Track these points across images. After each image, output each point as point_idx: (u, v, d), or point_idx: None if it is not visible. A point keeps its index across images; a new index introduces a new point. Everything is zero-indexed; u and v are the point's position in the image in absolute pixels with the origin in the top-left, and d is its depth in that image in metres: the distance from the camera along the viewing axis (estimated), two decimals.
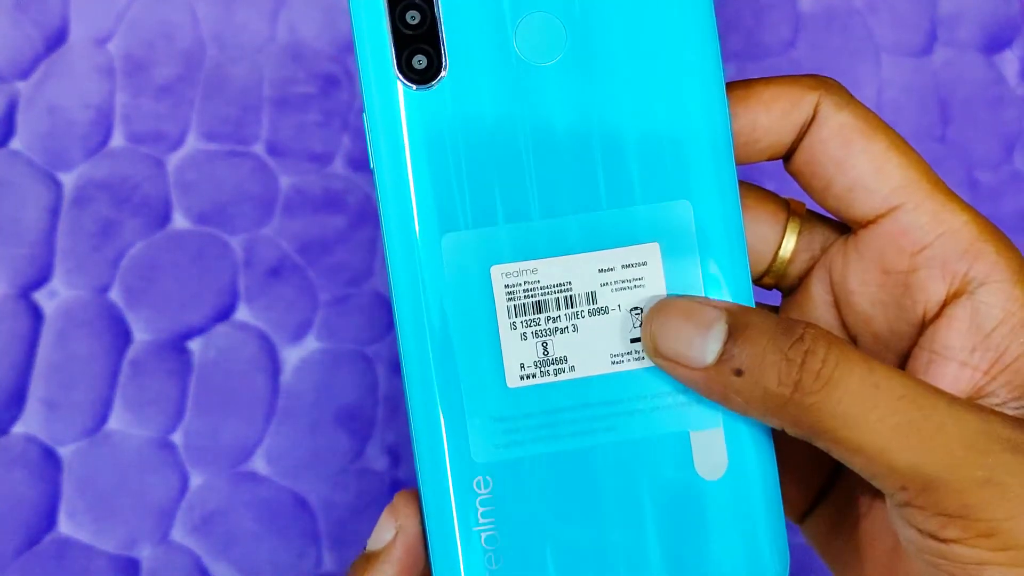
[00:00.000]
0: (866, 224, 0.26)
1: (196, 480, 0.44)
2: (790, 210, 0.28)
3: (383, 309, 0.45)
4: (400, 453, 0.45)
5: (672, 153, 0.25)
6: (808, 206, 0.29)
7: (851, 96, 0.26)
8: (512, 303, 0.25)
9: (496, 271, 0.25)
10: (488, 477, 0.25)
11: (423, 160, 0.25)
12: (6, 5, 0.43)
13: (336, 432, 0.44)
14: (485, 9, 0.25)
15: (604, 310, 0.25)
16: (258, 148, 0.44)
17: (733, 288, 0.26)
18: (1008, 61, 0.48)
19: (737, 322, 0.24)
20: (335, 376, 0.44)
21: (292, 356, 0.44)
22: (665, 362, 0.25)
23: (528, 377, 0.25)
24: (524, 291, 0.25)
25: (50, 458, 0.43)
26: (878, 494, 0.27)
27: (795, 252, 0.28)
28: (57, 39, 0.43)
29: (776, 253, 0.28)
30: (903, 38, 0.47)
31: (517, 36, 0.25)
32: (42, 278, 0.43)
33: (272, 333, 0.44)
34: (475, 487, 0.25)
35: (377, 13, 0.25)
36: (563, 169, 0.25)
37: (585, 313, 0.25)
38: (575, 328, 0.25)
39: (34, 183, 0.43)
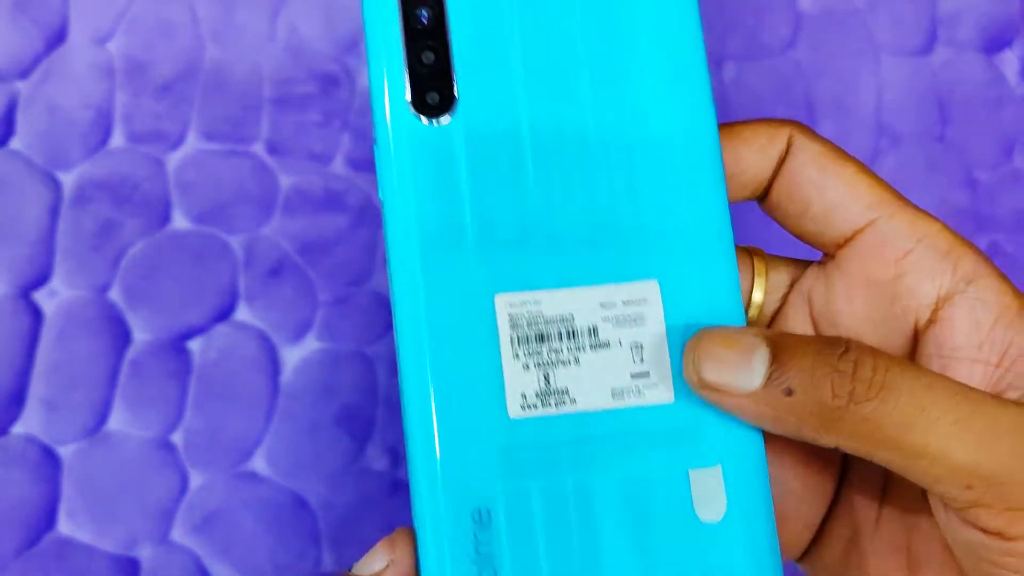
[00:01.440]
0: (844, 243, 0.27)
1: (196, 480, 0.44)
2: (752, 257, 0.29)
3: (383, 309, 0.45)
4: (400, 453, 0.45)
5: (674, 195, 0.26)
6: (767, 247, 0.29)
7: (816, 134, 0.27)
8: (515, 332, 0.25)
9: (500, 300, 0.25)
10: (486, 509, 0.25)
11: (430, 190, 0.25)
12: (6, 4, 0.43)
13: (336, 432, 0.44)
14: (495, 48, 0.26)
15: (605, 344, 0.26)
16: (258, 148, 0.44)
17: (733, 310, 0.26)
18: (1008, 61, 0.48)
19: (778, 344, 0.24)
20: (335, 376, 0.44)
21: (292, 356, 0.44)
22: (711, 392, 0.25)
23: (529, 408, 0.25)
24: (527, 321, 0.25)
25: (50, 458, 0.43)
26: (882, 516, 0.27)
27: (765, 295, 0.28)
28: (57, 38, 0.43)
29: (749, 300, 0.28)
30: (903, 38, 0.47)
31: (528, 79, 0.26)
32: (42, 278, 0.43)
33: (272, 333, 0.44)
34: (472, 518, 0.25)
35: (393, 49, 0.26)
36: (569, 203, 0.26)
37: (587, 347, 0.26)
38: (577, 361, 0.26)
39: (34, 183, 0.43)
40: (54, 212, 0.43)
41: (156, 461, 0.44)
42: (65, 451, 0.43)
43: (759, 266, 0.28)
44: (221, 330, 0.44)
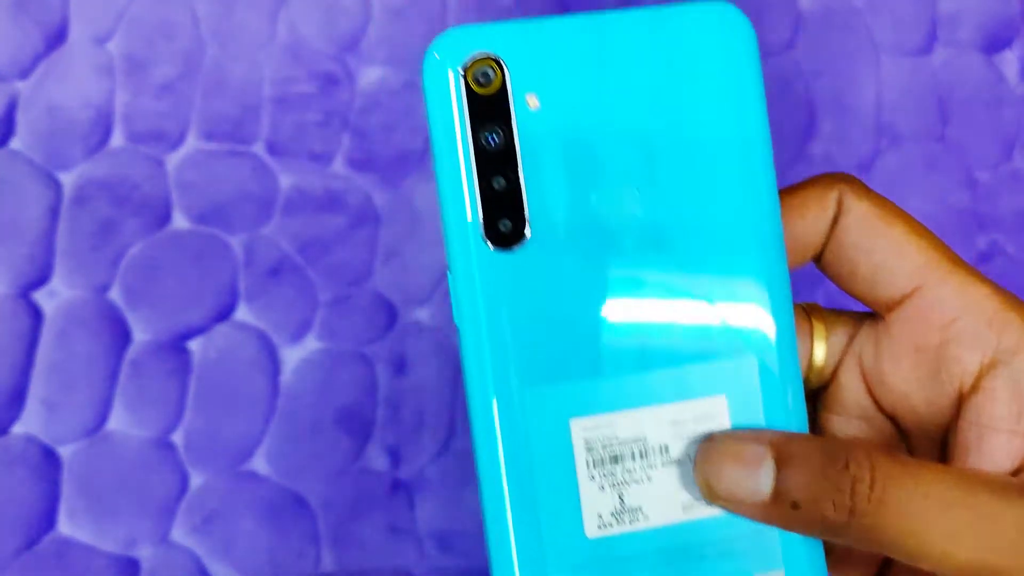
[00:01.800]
0: (893, 306, 0.27)
1: (196, 480, 0.44)
2: (811, 317, 0.29)
3: (383, 309, 0.45)
4: (400, 453, 0.45)
5: (741, 313, 0.26)
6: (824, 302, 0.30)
7: (868, 188, 0.27)
8: (591, 455, 0.26)
9: (576, 424, 0.26)
10: None
11: (505, 318, 0.26)
12: (6, 4, 0.43)
13: (336, 432, 0.44)
14: (567, 178, 0.26)
15: (676, 461, 0.26)
16: (258, 148, 0.44)
17: (793, 420, 0.27)
18: (1008, 61, 0.48)
19: (782, 454, 0.25)
20: (335, 376, 0.44)
21: (292, 356, 0.44)
22: (723, 502, 0.26)
23: (605, 527, 0.26)
24: (602, 444, 0.26)
25: (50, 458, 0.43)
26: None
27: (826, 356, 0.29)
28: (57, 38, 0.43)
29: (810, 362, 0.29)
30: (903, 38, 0.47)
31: (596, 203, 0.26)
32: (42, 278, 0.43)
33: (272, 333, 0.44)
34: None
35: (464, 175, 0.26)
36: (639, 327, 0.26)
37: (658, 464, 0.26)
38: (649, 479, 0.26)
39: (34, 183, 0.43)
40: (54, 212, 0.43)
41: (156, 461, 0.44)
42: (65, 451, 0.43)
43: (818, 327, 0.29)
44: (221, 330, 0.44)
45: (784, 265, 0.27)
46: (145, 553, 0.43)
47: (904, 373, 0.27)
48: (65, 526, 0.43)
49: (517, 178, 0.26)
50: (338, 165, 0.45)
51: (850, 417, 0.29)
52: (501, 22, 0.26)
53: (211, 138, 0.44)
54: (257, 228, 0.44)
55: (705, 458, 0.26)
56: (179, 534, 0.44)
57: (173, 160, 0.44)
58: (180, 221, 0.44)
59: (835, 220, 0.27)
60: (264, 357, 0.44)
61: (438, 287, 0.45)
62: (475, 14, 0.45)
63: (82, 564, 0.43)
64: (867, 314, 0.29)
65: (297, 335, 0.44)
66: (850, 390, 0.29)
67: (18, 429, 0.43)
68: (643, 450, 0.26)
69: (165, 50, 0.44)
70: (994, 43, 0.48)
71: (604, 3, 0.46)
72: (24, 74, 0.43)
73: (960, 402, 0.27)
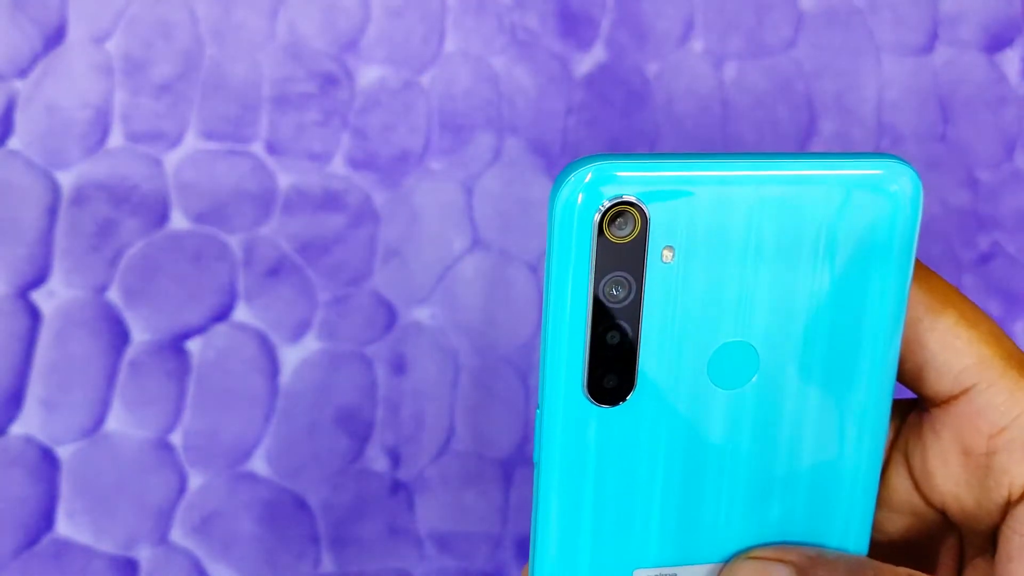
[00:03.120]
0: (939, 403, 0.26)
1: (195, 481, 0.44)
2: None
3: (382, 309, 0.45)
4: (400, 454, 0.45)
5: (838, 494, 0.26)
6: None
7: (919, 265, 0.26)
8: None
9: (638, 575, 0.26)
10: None
11: (588, 469, 0.25)
12: (4, 3, 0.43)
13: (335, 432, 0.44)
14: (684, 334, 0.24)
15: None
16: (257, 147, 0.44)
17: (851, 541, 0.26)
18: (1009, 60, 0.48)
19: None
20: (335, 376, 0.44)
21: (291, 356, 0.44)
22: None
23: None
24: None
25: (48, 458, 0.43)
26: None
27: None
28: (56, 38, 0.43)
29: None
30: (904, 37, 0.47)
31: (711, 361, 0.25)
32: (40, 278, 0.43)
33: (271, 333, 0.44)
34: None
35: (577, 331, 0.24)
36: (727, 490, 0.26)
37: None
38: None
39: (32, 183, 0.43)
40: (52, 212, 0.43)
41: (155, 461, 0.44)
42: (64, 451, 0.43)
43: None
44: (220, 330, 0.44)
45: (884, 436, 0.26)
46: (144, 554, 0.43)
47: (952, 474, 0.26)
48: (64, 527, 0.43)
49: (636, 335, 0.24)
50: (337, 165, 0.44)
51: (901, 514, 0.28)
52: (650, 159, 0.23)
53: (210, 138, 0.44)
54: (256, 228, 0.44)
55: None
56: (178, 535, 0.44)
57: (172, 160, 0.44)
58: (179, 221, 0.44)
59: None
60: (263, 357, 0.44)
61: (438, 287, 0.45)
62: (474, 15, 0.45)
63: (81, 565, 0.43)
64: (911, 402, 0.28)
65: (296, 335, 0.44)
66: (898, 490, 0.28)
67: (16, 429, 0.43)
68: None
69: (164, 50, 0.44)
70: (996, 43, 0.48)
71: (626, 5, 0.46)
72: (22, 73, 0.43)
73: (1007, 508, 0.26)
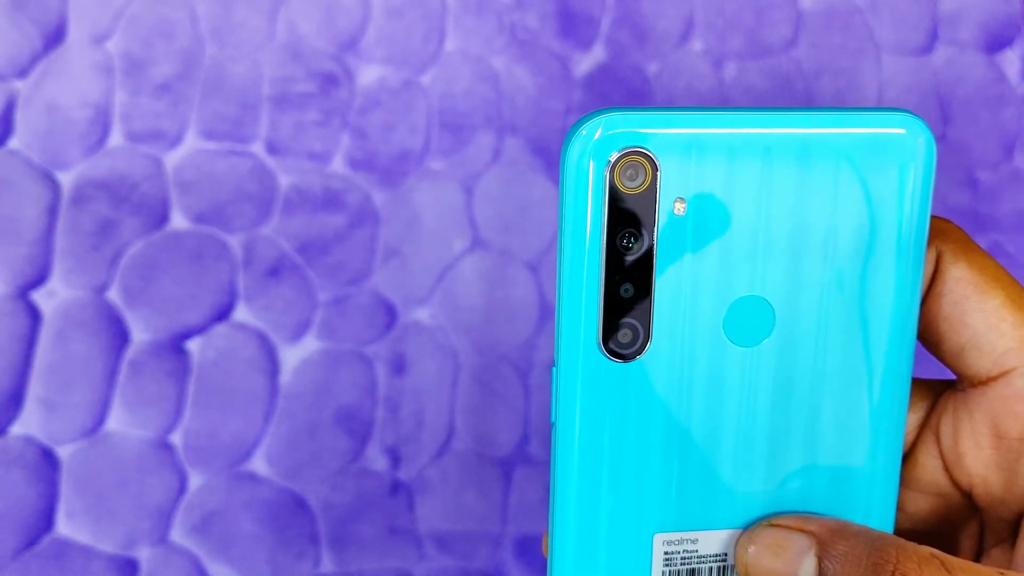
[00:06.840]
0: (977, 383, 0.26)
1: (195, 481, 0.44)
2: None
3: (382, 309, 0.45)
4: (400, 454, 0.45)
5: (859, 464, 0.26)
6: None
7: (969, 242, 0.25)
8: (668, 568, 0.26)
9: (658, 539, 0.26)
10: None
11: (605, 428, 0.25)
12: (4, 3, 0.43)
13: (335, 432, 0.44)
14: (698, 289, 0.24)
15: None
16: (257, 147, 0.44)
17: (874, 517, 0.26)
18: (1009, 60, 0.48)
19: (827, 550, 0.24)
20: (335, 376, 0.44)
21: (291, 356, 0.44)
22: None
23: None
24: (681, 559, 0.26)
25: (48, 459, 0.43)
26: None
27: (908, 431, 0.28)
28: (55, 37, 0.43)
29: None
30: (904, 37, 0.47)
31: (727, 318, 0.24)
32: (40, 278, 0.43)
33: (271, 333, 0.44)
34: None
35: (592, 284, 0.24)
36: (745, 452, 0.25)
37: None
38: None
39: (32, 182, 0.43)
40: (53, 212, 0.43)
41: (155, 461, 0.44)
42: (64, 451, 0.43)
43: None
44: (220, 330, 0.44)
45: (907, 399, 0.25)
46: (144, 554, 0.43)
47: (983, 457, 0.26)
48: (64, 527, 0.43)
49: (649, 289, 0.24)
50: (337, 164, 0.44)
51: (926, 494, 0.28)
52: (660, 112, 0.23)
53: (210, 137, 0.44)
54: (256, 228, 0.44)
55: (746, 546, 0.25)
56: (178, 535, 0.44)
57: (172, 159, 0.44)
58: (179, 221, 0.44)
59: (931, 283, 0.25)
60: (263, 357, 0.44)
61: (438, 287, 0.45)
62: (474, 15, 0.45)
63: (81, 565, 0.43)
64: (945, 383, 0.27)
65: (296, 335, 0.44)
66: (927, 469, 0.27)
67: (16, 429, 0.43)
68: (722, 568, 0.26)
69: (164, 49, 0.44)
70: (995, 42, 0.48)
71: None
72: (22, 73, 0.43)
73: None
